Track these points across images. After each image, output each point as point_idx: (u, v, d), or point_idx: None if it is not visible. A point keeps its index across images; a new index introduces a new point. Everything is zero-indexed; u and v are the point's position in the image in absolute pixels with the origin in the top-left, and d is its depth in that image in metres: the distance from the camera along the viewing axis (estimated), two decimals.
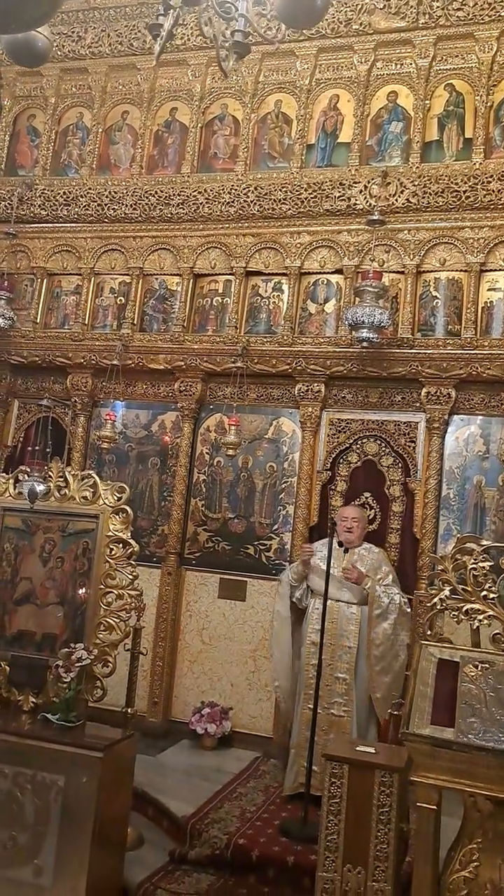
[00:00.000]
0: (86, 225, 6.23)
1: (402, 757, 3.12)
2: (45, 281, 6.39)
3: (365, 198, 5.43)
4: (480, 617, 3.25)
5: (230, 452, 5.49)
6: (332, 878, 2.97)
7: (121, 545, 3.86)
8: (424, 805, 2.86)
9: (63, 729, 3.54)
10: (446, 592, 3.33)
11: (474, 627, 3.28)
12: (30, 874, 3.36)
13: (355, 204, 5.46)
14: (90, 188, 6.21)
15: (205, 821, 4.10)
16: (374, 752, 3.18)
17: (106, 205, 6.13)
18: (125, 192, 6.09)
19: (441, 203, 5.29)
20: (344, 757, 3.06)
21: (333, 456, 5.62)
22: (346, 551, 4.76)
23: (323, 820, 3.02)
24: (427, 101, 5.51)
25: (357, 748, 3.22)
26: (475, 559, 3.29)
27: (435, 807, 2.85)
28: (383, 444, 5.55)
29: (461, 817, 3.01)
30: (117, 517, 3.90)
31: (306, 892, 3.58)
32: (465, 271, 5.30)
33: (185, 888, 3.65)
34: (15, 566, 4.00)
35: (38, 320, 6.35)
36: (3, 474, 4.18)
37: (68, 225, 6.28)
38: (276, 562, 5.67)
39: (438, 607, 3.31)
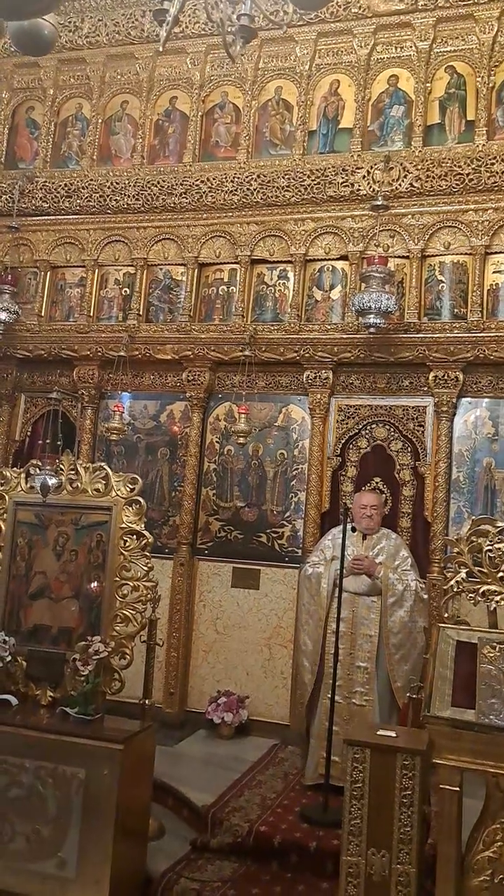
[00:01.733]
0: (88, 216, 6.20)
1: (422, 740, 3.12)
2: (48, 274, 6.38)
3: (368, 183, 5.39)
4: (497, 598, 3.25)
5: (240, 440, 5.48)
6: (357, 862, 2.98)
7: (135, 537, 3.86)
8: (447, 787, 2.87)
9: (82, 722, 3.55)
10: (462, 575, 3.32)
11: (491, 609, 3.27)
12: (54, 867, 3.39)
13: (359, 189, 5.43)
14: (91, 179, 6.18)
15: (225, 809, 4.12)
16: (394, 735, 3.18)
17: (108, 196, 6.10)
18: (127, 182, 6.06)
19: (444, 186, 5.25)
20: (365, 741, 3.07)
21: (343, 442, 5.62)
22: (364, 538, 4.74)
23: (346, 804, 3.03)
24: (428, 84, 5.47)
25: (378, 732, 3.22)
26: (491, 541, 3.29)
27: (458, 788, 2.86)
28: (392, 429, 5.55)
29: (482, 799, 3.03)
30: (130, 508, 3.89)
31: (329, 877, 3.60)
32: (470, 254, 5.27)
33: (209, 876, 3.67)
34: (29, 561, 4.01)
35: (42, 314, 6.33)
36: (15, 469, 4.17)
37: (70, 217, 6.25)
38: (289, 549, 5.68)
39: (455, 590, 3.31)
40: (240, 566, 5.80)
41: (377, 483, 5.51)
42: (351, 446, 5.64)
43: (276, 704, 5.49)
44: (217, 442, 5.99)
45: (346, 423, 5.64)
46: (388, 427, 5.56)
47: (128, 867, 3.48)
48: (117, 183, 6.09)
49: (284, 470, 5.81)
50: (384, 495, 5.41)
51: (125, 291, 6.19)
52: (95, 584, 3.86)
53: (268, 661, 5.60)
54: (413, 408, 5.50)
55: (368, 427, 5.62)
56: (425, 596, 4.58)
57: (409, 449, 5.49)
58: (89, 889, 3.30)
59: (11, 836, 3.43)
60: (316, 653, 4.54)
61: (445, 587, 3.42)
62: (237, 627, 5.71)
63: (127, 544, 3.85)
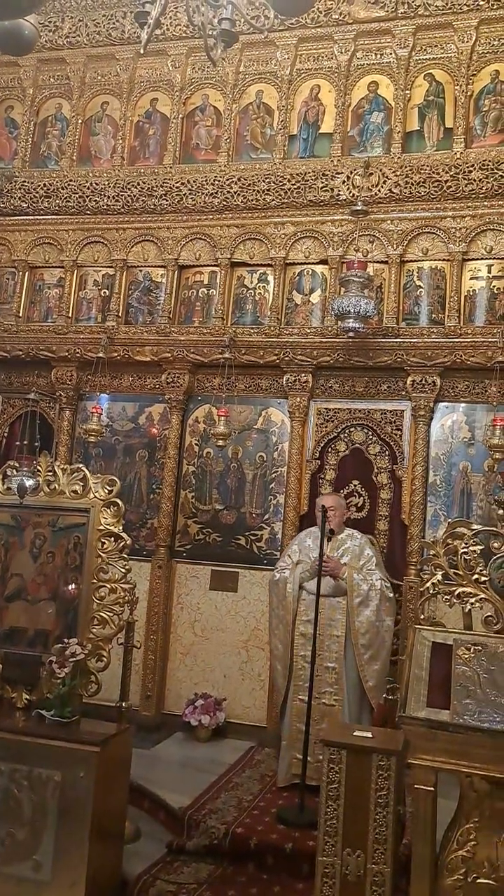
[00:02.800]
0: (67, 217, 6.17)
1: (397, 740, 3.15)
2: (26, 274, 6.33)
3: (348, 188, 5.44)
4: (472, 600, 3.29)
5: (220, 443, 5.49)
6: (332, 862, 3.00)
7: (113, 539, 3.84)
8: (422, 787, 2.89)
9: (58, 725, 3.53)
10: (438, 577, 3.37)
11: (466, 610, 3.32)
12: (29, 870, 3.36)
13: (338, 194, 5.47)
14: (71, 180, 6.15)
15: (202, 811, 4.11)
16: (370, 736, 3.21)
17: (87, 196, 6.08)
18: (107, 183, 6.04)
19: (423, 193, 5.31)
20: (341, 742, 3.09)
21: (322, 445, 5.65)
22: (329, 539, 4.78)
23: (322, 805, 3.04)
24: (407, 91, 5.53)
25: (354, 733, 3.25)
26: (466, 543, 3.33)
27: (432, 788, 2.89)
28: (370, 433, 5.59)
29: (455, 799, 3.06)
30: (108, 510, 3.88)
31: (305, 878, 3.62)
32: (448, 260, 5.34)
33: (185, 878, 3.67)
34: (5, 562, 3.97)
35: (20, 314, 6.29)
36: None
37: (49, 217, 6.22)
38: (268, 552, 5.69)
39: (431, 591, 3.34)
40: (218, 569, 5.80)
41: (355, 486, 5.55)
42: (330, 449, 5.68)
43: (253, 707, 5.50)
44: (196, 444, 5.99)
45: (325, 427, 5.68)
46: (366, 431, 5.60)
47: (104, 870, 3.46)
48: (97, 184, 6.07)
49: (263, 473, 5.83)
50: (361, 498, 5.46)
51: (104, 293, 6.17)
52: (72, 586, 3.84)
53: (245, 664, 5.61)
54: (391, 412, 5.54)
55: (347, 430, 5.65)
56: (391, 594, 4.63)
57: (387, 452, 5.54)
58: (65, 892, 3.28)
59: None
60: (286, 656, 4.56)
61: (422, 589, 3.46)
62: (215, 630, 5.71)
63: (105, 546, 3.84)
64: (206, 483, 5.94)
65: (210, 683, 5.60)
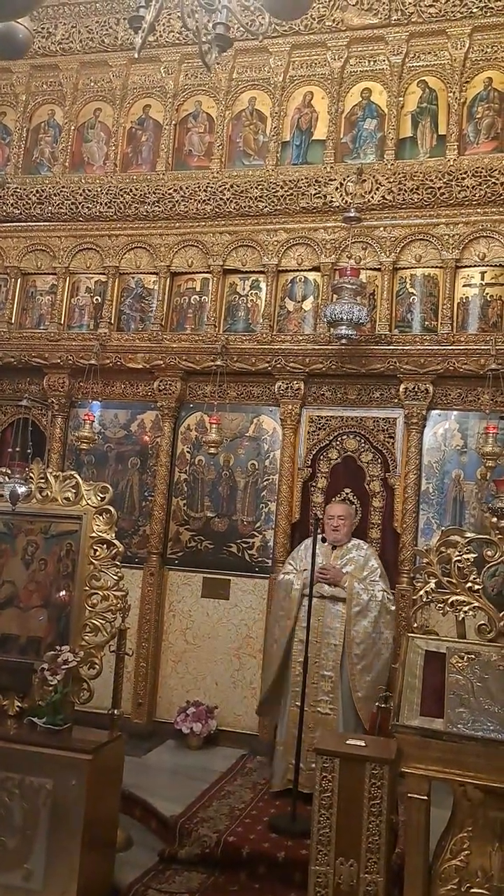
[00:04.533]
0: (60, 224, 6.16)
1: (391, 749, 3.14)
2: (19, 280, 6.31)
3: (341, 195, 5.45)
4: (466, 608, 3.30)
5: (212, 451, 5.48)
6: (325, 872, 2.98)
7: (105, 546, 3.83)
8: (415, 795, 2.88)
9: (50, 732, 3.50)
10: (432, 585, 3.37)
11: (460, 619, 3.32)
12: (20, 878, 3.33)
13: (331, 201, 5.48)
14: (63, 186, 6.14)
15: (193, 820, 4.09)
16: (363, 745, 3.20)
17: (80, 203, 6.07)
18: (99, 190, 6.04)
19: (416, 200, 5.33)
20: (334, 751, 3.08)
21: (314, 453, 5.65)
22: (333, 549, 4.77)
23: (315, 814, 3.03)
24: (400, 98, 5.56)
25: (347, 742, 3.24)
26: (460, 551, 3.34)
27: (426, 797, 2.88)
28: (362, 441, 5.59)
29: (449, 808, 3.06)
30: (101, 517, 3.87)
31: (297, 887, 3.60)
32: (441, 268, 5.35)
33: (176, 887, 3.64)
34: None
35: (12, 321, 6.26)
36: None
37: (42, 224, 6.21)
38: (259, 559, 5.68)
39: (424, 599, 3.34)
40: (210, 576, 5.78)
41: (347, 494, 5.55)
42: (322, 457, 5.67)
43: (244, 715, 5.47)
44: (188, 452, 5.98)
45: (317, 434, 5.67)
46: (358, 438, 5.60)
47: (95, 879, 3.43)
48: (89, 190, 6.07)
49: (255, 480, 5.82)
50: (354, 506, 5.46)
51: (96, 300, 6.16)
52: (64, 592, 3.82)
53: (237, 672, 5.58)
54: (383, 419, 5.55)
55: (339, 438, 5.65)
56: (392, 607, 4.60)
57: (380, 460, 5.54)
58: None
59: None
60: (280, 657, 4.55)
61: (415, 597, 3.46)
62: (207, 637, 5.69)
63: (97, 553, 3.82)
64: (197, 491, 5.93)
65: (202, 691, 5.57)
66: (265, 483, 5.77)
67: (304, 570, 4.66)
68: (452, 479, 5.38)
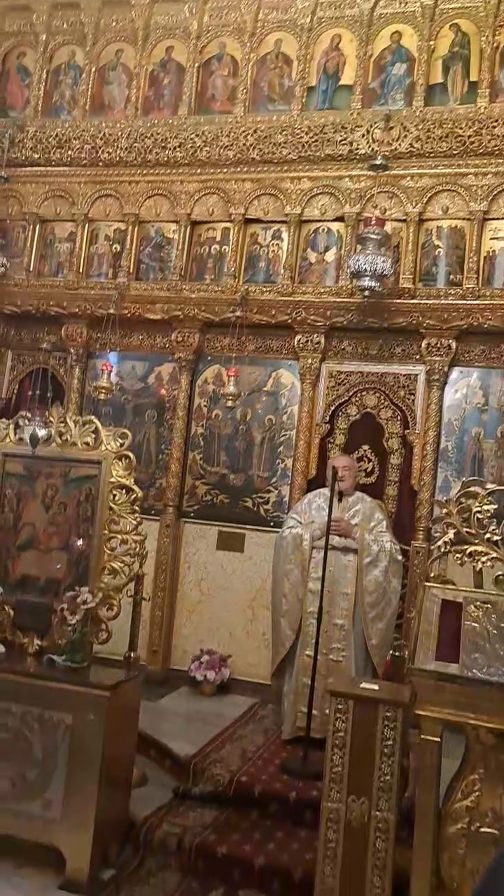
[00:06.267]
0: (79, 169, 6.06)
1: (404, 694, 3.18)
2: (37, 227, 6.24)
3: (367, 142, 5.31)
4: (484, 559, 3.29)
5: (229, 403, 5.45)
6: (337, 808, 3.04)
7: (124, 491, 3.85)
8: (428, 737, 2.92)
9: (69, 670, 3.57)
10: (450, 536, 3.36)
11: (478, 569, 3.32)
12: (39, 808, 3.44)
13: (357, 148, 5.35)
14: (83, 130, 6.02)
15: (206, 760, 4.19)
16: (377, 688, 3.24)
17: (100, 148, 5.96)
18: (120, 134, 5.92)
19: (445, 148, 5.19)
20: (349, 693, 3.11)
21: (332, 409, 5.61)
22: (339, 500, 4.77)
23: (328, 753, 3.08)
24: (431, 42, 5.37)
25: (361, 685, 3.28)
26: (480, 502, 3.32)
27: (438, 739, 2.92)
28: (382, 397, 5.54)
29: (458, 759, 3.10)
30: (120, 463, 3.88)
31: (308, 826, 3.69)
32: (468, 219, 5.23)
33: (190, 822, 3.75)
34: (17, 512, 3.99)
35: (31, 268, 6.21)
36: (3, 420, 4.12)
37: (61, 168, 6.11)
38: (274, 514, 5.69)
39: (442, 550, 3.34)
40: (225, 529, 5.82)
41: (365, 451, 5.53)
42: (340, 413, 5.64)
43: (257, 664, 5.55)
44: (205, 406, 5.96)
45: (337, 390, 5.63)
46: (378, 395, 5.56)
47: (112, 810, 3.54)
48: (110, 134, 5.95)
49: (272, 436, 5.80)
50: (370, 463, 5.45)
51: (115, 248, 6.08)
52: (80, 541, 3.85)
53: (250, 623, 5.65)
54: (404, 376, 5.49)
55: (359, 394, 5.61)
56: (399, 557, 4.64)
57: (399, 417, 5.50)
58: (74, 830, 3.35)
59: None
60: (297, 611, 4.58)
61: (432, 547, 3.46)
62: (221, 589, 5.75)
63: (116, 498, 3.84)
64: (214, 445, 5.93)
65: (215, 641, 5.66)
66: (282, 438, 5.76)
67: (311, 522, 4.67)
68: (472, 437, 5.34)
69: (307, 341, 5.56)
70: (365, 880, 3.01)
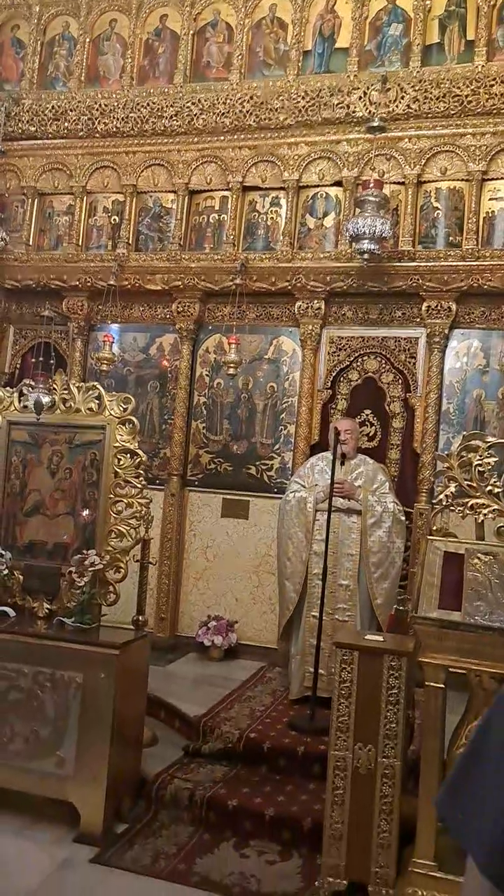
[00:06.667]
0: (76, 140, 6.04)
1: (407, 645, 3.23)
2: (36, 201, 6.23)
3: (364, 105, 5.27)
4: (485, 511, 3.32)
5: (231, 371, 5.47)
6: (344, 756, 3.11)
7: (128, 455, 3.89)
8: (432, 684, 2.98)
9: (79, 631, 3.64)
10: (452, 489, 3.39)
11: (479, 521, 3.36)
12: (52, 765, 3.51)
13: (354, 111, 5.31)
14: (79, 102, 5.99)
15: (216, 719, 4.26)
16: (381, 640, 3.29)
17: (96, 118, 5.94)
18: (116, 104, 5.89)
19: (442, 109, 5.15)
20: (354, 644, 3.17)
21: (334, 374, 5.63)
22: (342, 464, 4.81)
23: (334, 703, 3.14)
24: (428, 2, 5.31)
25: (366, 637, 3.33)
26: (480, 455, 3.35)
27: (442, 686, 2.98)
28: (383, 361, 5.56)
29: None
30: (124, 427, 3.91)
31: (316, 778, 3.76)
32: (467, 180, 5.21)
33: (201, 778, 3.82)
34: (23, 478, 4.04)
35: (30, 242, 6.22)
36: (8, 388, 4.16)
37: (58, 141, 6.09)
38: (278, 480, 5.74)
39: (444, 503, 3.38)
40: (229, 497, 5.86)
41: (367, 415, 5.55)
42: (342, 379, 5.66)
43: (264, 629, 5.63)
44: (207, 375, 5.98)
45: (338, 356, 5.64)
46: (379, 359, 5.57)
47: (124, 767, 3.61)
48: (106, 105, 5.92)
49: (274, 403, 5.83)
50: (373, 427, 5.47)
51: (114, 220, 6.08)
52: (87, 512, 3.89)
53: (256, 588, 5.72)
54: (405, 339, 5.50)
55: (360, 359, 5.62)
56: (402, 518, 4.68)
57: (400, 381, 5.52)
58: (87, 786, 3.43)
59: (10, 736, 3.54)
60: (300, 573, 4.64)
61: (434, 501, 3.50)
62: (227, 556, 5.81)
63: (121, 462, 3.88)
64: (216, 414, 5.96)
65: (222, 607, 5.73)
66: (284, 405, 5.78)
67: (315, 485, 4.72)
68: (473, 399, 5.36)
69: (307, 307, 5.56)
70: (372, 825, 3.08)
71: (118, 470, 3.88)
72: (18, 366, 6.44)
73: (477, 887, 0.80)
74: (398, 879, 3.03)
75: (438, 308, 5.26)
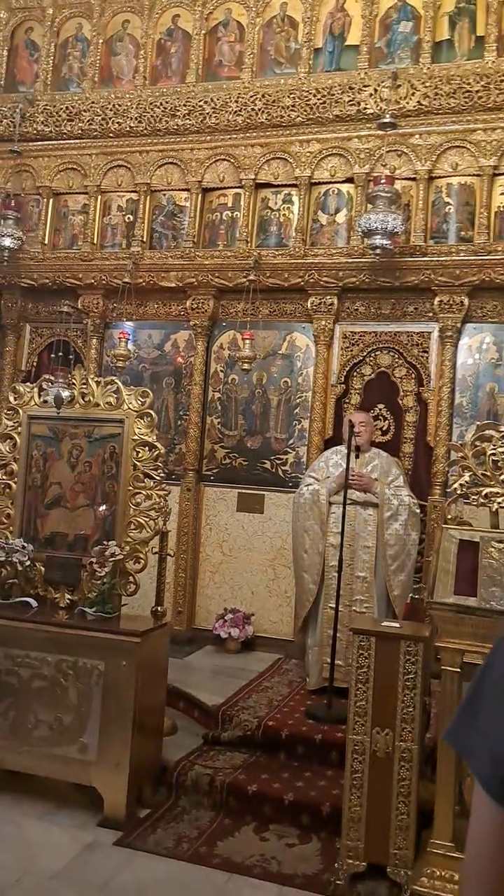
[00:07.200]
0: (90, 140, 6.12)
1: (423, 631, 3.29)
2: (51, 201, 6.32)
3: (375, 101, 5.32)
4: (500, 500, 3.37)
5: (245, 367, 5.54)
6: (362, 740, 3.17)
7: (147, 448, 3.96)
8: (449, 668, 3.03)
9: (100, 619, 3.72)
10: (466, 478, 3.44)
11: (493, 510, 3.40)
12: (76, 751, 3.59)
13: (365, 108, 5.36)
14: (93, 102, 6.08)
15: (234, 708, 4.33)
16: (398, 626, 3.35)
17: (110, 118, 6.02)
18: (129, 104, 5.97)
19: (453, 105, 5.19)
20: (371, 630, 3.23)
21: (347, 369, 5.68)
22: (356, 456, 4.86)
23: (352, 688, 3.20)
24: None
25: (382, 624, 3.39)
26: (494, 445, 3.39)
27: (458, 669, 3.03)
28: (396, 356, 5.60)
29: None
30: (142, 421, 3.99)
31: (334, 765, 3.83)
32: (478, 175, 5.24)
33: (221, 764, 3.89)
34: (44, 472, 4.12)
35: (46, 241, 6.31)
36: (28, 384, 4.24)
37: (72, 141, 6.17)
38: (293, 475, 5.80)
39: (458, 492, 3.42)
40: (244, 491, 5.93)
41: (381, 410, 5.60)
42: (355, 373, 5.71)
43: (280, 621, 5.70)
44: (221, 371, 6.05)
45: (351, 351, 5.70)
46: (392, 354, 5.62)
47: (145, 753, 3.69)
48: (119, 105, 6.00)
49: (288, 398, 5.89)
50: (386, 422, 5.52)
51: (128, 218, 6.16)
52: (103, 507, 3.97)
53: (272, 581, 5.78)
54: (418, 334, 5.54)
55: (373, 354, 5.67)
56: (417, 510, 4.73)
57: (413, 375, 5.56)
58: (110, 772, 3.51)
59: (35, 723, 3.63)
60: (317, 564, 4.70)
61: (448, 490, 3.55)
62: (243, 549, 5.88)
63: (139, 455, 3.96)
64: (231, 409, 6.02)
65: (238, 600, 5.79)
66: (298, 400, 5.84)
67: (328, 477, 4.77)
68: (486, 393, 5.40)
69: (320, 303, 5.62)
70: (390, 808, 3.14)
71: (137, 462, 3.96)
72: (35, 363, 6.53)
73: (482, 807, 0.89)
74: (416, 861, 3.09)
75: (451, 303, 5.30)
